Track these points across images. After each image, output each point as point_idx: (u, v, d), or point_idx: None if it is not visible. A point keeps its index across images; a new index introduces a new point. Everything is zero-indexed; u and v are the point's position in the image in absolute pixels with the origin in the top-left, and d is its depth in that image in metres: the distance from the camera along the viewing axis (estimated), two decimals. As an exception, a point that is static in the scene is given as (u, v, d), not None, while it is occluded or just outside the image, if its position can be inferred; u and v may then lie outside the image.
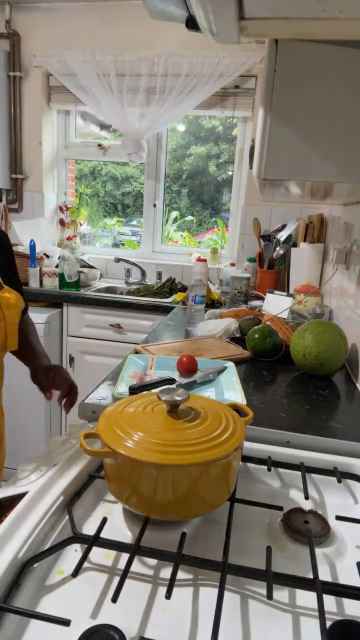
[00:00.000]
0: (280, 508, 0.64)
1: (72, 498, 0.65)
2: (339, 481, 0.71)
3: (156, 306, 2.15)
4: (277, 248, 2.30)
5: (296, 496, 0.72)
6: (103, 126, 2.97)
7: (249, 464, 0.76)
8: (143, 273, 2.66)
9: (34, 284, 2.31)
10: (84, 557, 0.52)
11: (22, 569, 0.50)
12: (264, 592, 0.49)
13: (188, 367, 1.08)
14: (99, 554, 0.56)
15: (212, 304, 2.06)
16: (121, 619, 0.47)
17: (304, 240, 2.22)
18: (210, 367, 1.12)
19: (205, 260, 2.13)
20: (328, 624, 0.46)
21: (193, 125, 3.00)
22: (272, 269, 2.34)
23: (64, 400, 1.09)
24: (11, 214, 2.74)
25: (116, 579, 0.52)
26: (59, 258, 2.42)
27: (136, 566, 0.55)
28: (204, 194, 3.00)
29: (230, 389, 1.01)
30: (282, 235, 2.28)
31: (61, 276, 2.31)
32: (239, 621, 0.48)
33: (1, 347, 0.94)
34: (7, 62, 2.55)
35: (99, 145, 2.73)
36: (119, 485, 0.60)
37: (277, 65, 0.71)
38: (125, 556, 0.55)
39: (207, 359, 1.19)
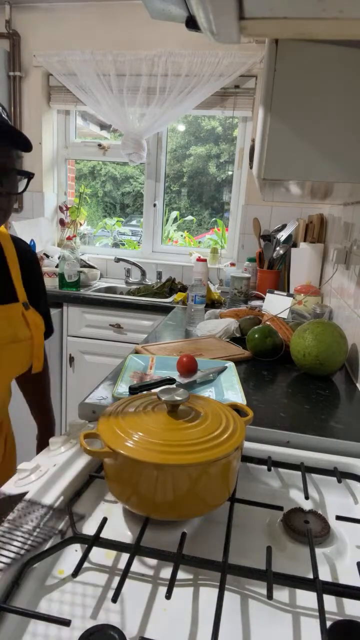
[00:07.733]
0: (280, 508, 0.64)
1: (72, 498, 0.65)
2: (339, 481, 0.71)
3: (156, 306, 2.15)
4: (277, 248, 2.30)
5: (296, 496, 0.72)
6: (103, 126, 2.98)
7: (249, 464, 0.76)
8: (143, 273, 2.66)
9: (34, 284, 2.30)
10: (84, 557, 0.52)
11: (22, 569, 0.50)
12: (264, 592, 0.49)
13: (188, 367, 1.08)
14: (99, 554, 0.56)
15: (212, 304, 2.06)
16: (121, 619, 0.47)
17: (304, 240, 2.22)
18: (210, 367, 1.12)
19: (205, 260, 2.13)
20: (328, 624, 0.46)
21: (193, 126, 3.01)
22: (272, 269, 2.34)
23: None
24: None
25: (116, 579, 0.52)
26: (59, 258, 2.42)
27: (136, 566, 0.55)
28: (204, 194, 3.01)
29: (230, 389, 1.01)
30: (282, 235, 2.28)
31: (61, 276, 2.31)
32: (239, 621, 0.48)
33: (26, 368, 0.93)
34: (7, 62, 2.55)
35: (99, 145, 2.73)
36: (119, 485, 0.60)
37: (277, 65, 0.71)
38: (125, 556, 0.55)
39: (207, 359, 1.19)
